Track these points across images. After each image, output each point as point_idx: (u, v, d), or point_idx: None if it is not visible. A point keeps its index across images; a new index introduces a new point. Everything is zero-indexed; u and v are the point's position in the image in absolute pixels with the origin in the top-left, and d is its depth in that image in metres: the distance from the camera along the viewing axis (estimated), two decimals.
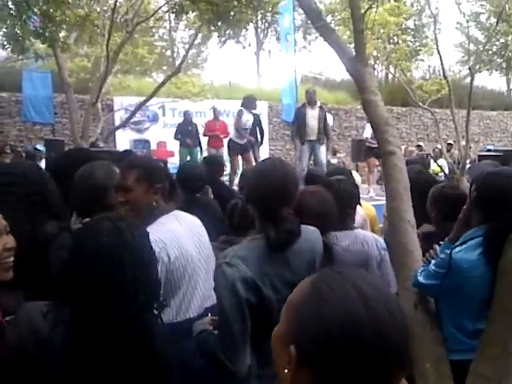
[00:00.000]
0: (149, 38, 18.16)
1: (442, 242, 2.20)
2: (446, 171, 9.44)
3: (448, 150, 12.26)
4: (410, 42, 19.87)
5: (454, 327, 2.08)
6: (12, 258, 1.64)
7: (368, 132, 8.92)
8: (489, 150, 8.89)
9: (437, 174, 8.72)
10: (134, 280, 1.33)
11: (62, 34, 9.19)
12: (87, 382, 1.31)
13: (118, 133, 12.46)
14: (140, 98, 11.55)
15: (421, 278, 2.15)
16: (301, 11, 22.12)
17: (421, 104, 12.98)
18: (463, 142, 9.80)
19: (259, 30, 25.79)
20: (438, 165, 9.73)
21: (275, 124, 15.26)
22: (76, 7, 8.67)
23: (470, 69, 9.46)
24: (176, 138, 10.88)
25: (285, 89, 14.06)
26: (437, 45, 10.75)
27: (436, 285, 2.07)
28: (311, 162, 8.72)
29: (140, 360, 1.36)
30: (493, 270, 1.98)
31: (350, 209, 2.66)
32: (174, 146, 11.58)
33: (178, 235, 2.05)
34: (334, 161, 12.33)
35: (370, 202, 4.93)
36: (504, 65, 20.76)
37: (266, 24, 24.72)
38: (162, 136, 13.23)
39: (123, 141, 12.71)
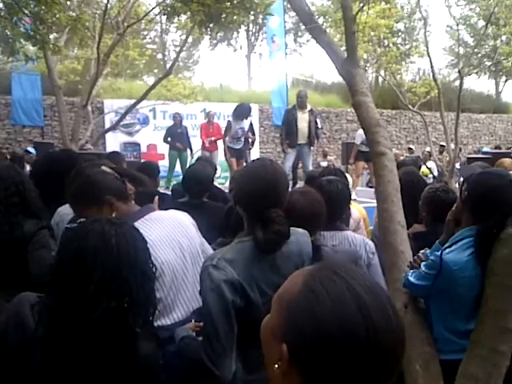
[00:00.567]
0: (140, 40, 18.14)
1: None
2: (435, 173, 9.51)
3: (440, 152, 12.33)
4: (400, 44, 20.02)
5: (444, 328, 2.09)
6: None
7: (359, 139, 8.86)
8: (484, 152, 8.95)
9: (426, 176, 8.77)
10: (107, 281, 1.35)
11: (53, 36, 9.15)
12: (63, 376, 1.33)
13: (109, 135, 12.41)
14: (131, 100, 11.51)
15: (411, 279, 2.15)
16: (291, 14, 22.24)
17: (410, 107, 13.06)
18: (452, 145, 9.87)
19: (250, 32, 25.82)
20: (428, 167, 9.80)
21: (266, 127, 15.28)
22: (67, 9, 8.63)
23: (459, 71, 9.51)
24: (165, 141, 10.82)
25: (274, 91, 14.04)
26: (427, 47, 10.83)
27: (426, 285, 2.08)
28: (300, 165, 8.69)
29: (114, 362, 1.36)
30: (483, 270, 1.99)
31: (341, 210, 2.65)
32: (164, 148, 11.56)
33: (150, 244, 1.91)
34: (324, 163, 12.40)
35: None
36: (493, 68, 20.93)
37: (257, 27, 24.75)
38: (152, 139, 13.20)
39: (113, 143, 12.66)
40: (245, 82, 25.94)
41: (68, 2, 9.74)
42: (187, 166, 10.67)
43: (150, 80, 19.77)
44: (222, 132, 9.81)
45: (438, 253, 2.03)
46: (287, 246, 1.67)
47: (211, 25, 5.84)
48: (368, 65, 16.27)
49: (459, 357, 1.98)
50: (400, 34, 21.57)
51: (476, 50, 14.77)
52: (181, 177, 6.37)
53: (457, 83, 12.64)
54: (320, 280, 0.76)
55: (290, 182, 3.55)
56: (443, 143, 13.29)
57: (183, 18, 8.88)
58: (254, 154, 11.10)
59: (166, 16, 6.50)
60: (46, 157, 3.15)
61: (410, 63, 18.99)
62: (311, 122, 8.34)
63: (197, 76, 25.91)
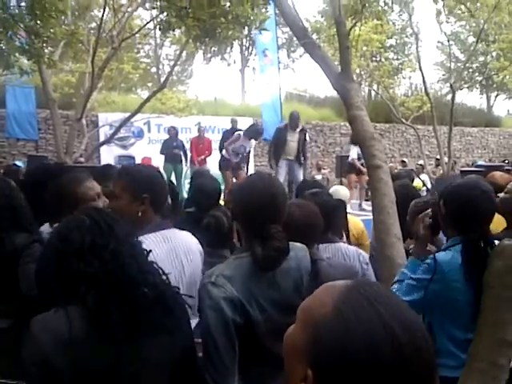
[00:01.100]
0: (134, 54, 18.22)
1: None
2: (429, 186, 9.56)
3: (436, 166, 12.41)
4: (393, 59, 20.24)
5: (446, 338, 2.08)
6: None
7: (354, 153, 8.88)
8: (478, 166, 8.99)
9: (419, 190, 8.79)
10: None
11: (48, 50, 9.17)
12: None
13: (103, 149, 12.40)
14: (125, 114, 11.53)
15: (402, 297, 2.14)
16: (284, 29, 22.46)
17: (403, 120, 13.16)
18: (446, 158, 9.95)
19: (244, 47, 26.05)
20: (421, 179, 9.85)
21: (260, 140, 15.30)
22: (62, 24, 8.67)
23: (451, 86, 9.63)
24: (162, 152, 10.88)
25: (266, 105, 13.89)
26: (419, 62, 10.96)
27: (418, 299, 2.06)
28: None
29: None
30: (474, 281, 1.99)
31: (330, 221, 2.61)
32: (158, 161, 11.56)
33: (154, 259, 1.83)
34: (318, 177, 12.41)
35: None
36: (484, 82, 21.19)
37: (251, 41, 24.96)
38: (146, 152, 13.19)
39: (108, 157, 12.65)
40: (239, 95, 26.16)
41: (63, 17, 9.79)
42: (182, 178, 10.71)
43: (145, 93, 19.88)
44: (213, 147, 9.84)
45: (431, 260, 2.03)
46: (286, 262, 1.63)
47: (206, 39, 5.87)
48: (361, 79, 16.43)
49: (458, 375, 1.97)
50: (392, 48, 21.82)
51: (467, 65, 14.93)
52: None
53: (449, 97, 12.74)
54: (353, 308, 0.74)
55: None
56: (438, 157, 13.43)
57: (177, 32, 8.95)
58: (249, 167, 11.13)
59: (160, 30, 6.54)
60: (39, 168, 3.16)
61: (403, 78, 19.20)
62: (300, 141, 8.43)
63: (191, 90, 26.05)
